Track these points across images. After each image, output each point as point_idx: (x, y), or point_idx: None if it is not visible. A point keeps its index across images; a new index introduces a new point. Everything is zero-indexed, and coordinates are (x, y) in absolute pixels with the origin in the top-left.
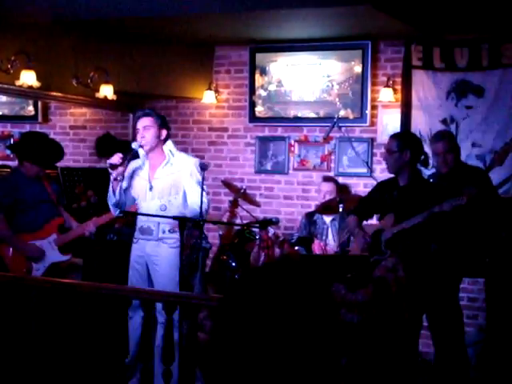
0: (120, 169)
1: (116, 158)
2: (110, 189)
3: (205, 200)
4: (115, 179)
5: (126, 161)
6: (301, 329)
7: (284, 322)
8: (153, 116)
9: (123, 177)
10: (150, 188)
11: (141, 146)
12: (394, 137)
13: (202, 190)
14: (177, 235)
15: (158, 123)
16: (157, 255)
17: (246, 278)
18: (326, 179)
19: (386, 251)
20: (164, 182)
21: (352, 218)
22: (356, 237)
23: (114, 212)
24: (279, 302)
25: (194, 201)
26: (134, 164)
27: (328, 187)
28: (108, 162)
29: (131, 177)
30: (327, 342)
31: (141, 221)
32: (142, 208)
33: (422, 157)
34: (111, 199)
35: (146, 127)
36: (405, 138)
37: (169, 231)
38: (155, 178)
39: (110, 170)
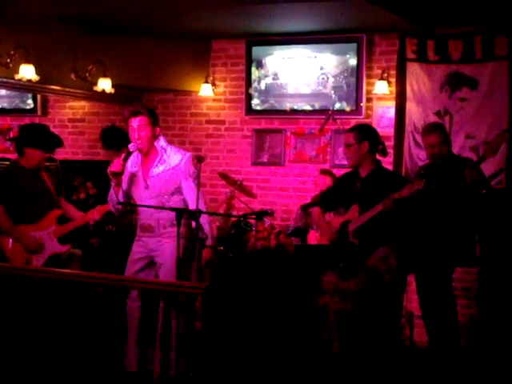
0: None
1: (118, 166)
2: (113, 194)
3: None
4: (117, 185)
5: (124, 165)
6: (291, 315)
7: (274, 308)
8: (147, 115)
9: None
10: (146, 187)
11: (138, 148)
12: (350, 130)
13: (198, 181)
14: (176, 227)
15: (152, 121)
16: (160, 251)
17: (237, 263)
18: (323, 172)
19: (354, 242)
20: (159, 180)
21: (316, 210)
22: (321, 228)
23: (117, 212)
24: (269, 288)
25: (191, 195)
26: (129, 165)
27: (326, 180)
28: (110, 170)
29: (129, 178)
30: (318, 329)
31: (141, 218)
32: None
33: (380, 146)
34: (114, 203)
35: (140, 127)
36: (361, 130)
37: (169, 226)
38: (150, 177)
39: (111, 177)
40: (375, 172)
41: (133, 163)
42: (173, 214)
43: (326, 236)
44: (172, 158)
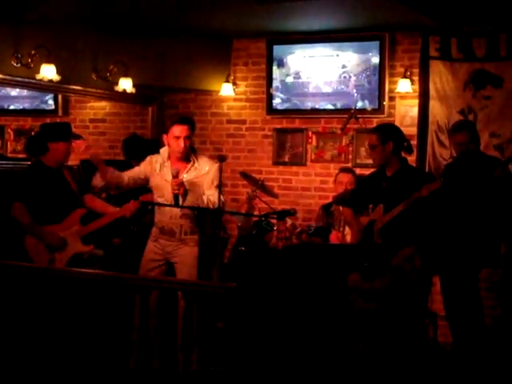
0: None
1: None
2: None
3: (221, 199)
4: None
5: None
6: (317, 315)
7: (300, 307)
8: (192, 125)
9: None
10: None
11: (179, 154)
12: (373, 131)
13: (220, 181)
14: (197, 236)
15: (192, 131)
16: (178, 255)
17: (265, 260)
18: (345, 170)
19: (378, 242)
20: (188, 186)
21: (347, 210)
22: (352, 228)
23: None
24: (296, 287)
25: (212, 200)
26: (158, 167)
27: (348, 178)
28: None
29: (158, 180)
30: (343, 327)
31: (162, 221)
32: (165, 208)
33: (405, 144)
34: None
35: (186, 137)
36: (385, 130)
37: (190, 233)
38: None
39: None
40: (400, 171)
41: (162, 166)
42: (194, 222)
43: (355, 236)
44: (202, 167)
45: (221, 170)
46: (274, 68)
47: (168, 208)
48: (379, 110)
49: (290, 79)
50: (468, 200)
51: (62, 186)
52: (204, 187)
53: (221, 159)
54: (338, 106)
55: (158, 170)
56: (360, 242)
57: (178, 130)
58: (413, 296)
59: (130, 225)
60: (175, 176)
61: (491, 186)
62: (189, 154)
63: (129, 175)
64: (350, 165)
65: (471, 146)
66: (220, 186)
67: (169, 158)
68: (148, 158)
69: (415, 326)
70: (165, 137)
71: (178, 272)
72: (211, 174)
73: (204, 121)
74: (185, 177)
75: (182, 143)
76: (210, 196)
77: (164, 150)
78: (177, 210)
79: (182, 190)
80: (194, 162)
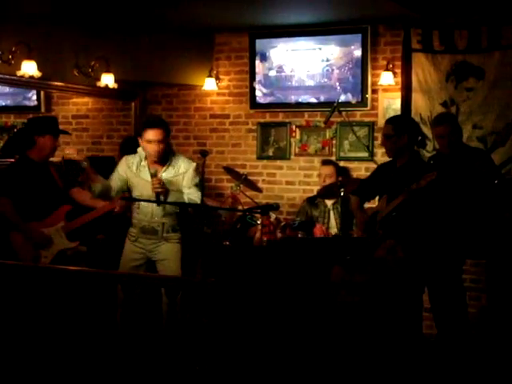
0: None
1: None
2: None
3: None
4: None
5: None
6: (301, 309)
7: (284, 301)
8: (164, 129)
9: None
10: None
11: (156, 158)
12: (390, 122)
13: (202, 176)
14: (179, 233)
15: (167, 135)
16: (161, 252)
17: (247, 256)
18: (326, 162)
19: (379, 232)
20: (167, 186)
21: (354, 199)
22: (356, 217)
23: None
24: (279, 281)
25: (193, 198)
26: (134, 168)
27: (328, 170)
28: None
29: (136, 181)
30: (327, 321)
31: (142, 221)
32: (145, 208)
33: (420, 137)
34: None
35: (160, 141)
36: (401, 122)
37: (172, 230)
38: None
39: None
40: (408, 164)
41: (138, 165)
42: (176, 219)
43: (359, 226)
44: (181, 166)
45: (203, 165)
46: (257, 62)
47: (149, 207)
48: (362, 102)
49: (272, 73)
50: (453, 191)
51: (48, 182)
52: (183, 187)
53: (203, 154)
54: (322, 99)
55: (134, 170)
56: (363, 232)
57: (150, 134)
58: (398, 288)
59: (117, 220)
60: (154, 175)
61: (474, 177)
62: (166, 156)
63: (113, 185)
64: (333, 158)
65: (453, 139)
66: (202, 184)
67: (146, 157)
68: (123, 159)
69: (403, 319)
70: (139, 139)
71: (160, 269)
72: (189, 173)
73: (187, 116)
74: (163, 176)
75: (155, 147)
76: (190, 195)
77: (142, 150)
78: (158, 210)
79: (164, 188)
80: (170, 162)
